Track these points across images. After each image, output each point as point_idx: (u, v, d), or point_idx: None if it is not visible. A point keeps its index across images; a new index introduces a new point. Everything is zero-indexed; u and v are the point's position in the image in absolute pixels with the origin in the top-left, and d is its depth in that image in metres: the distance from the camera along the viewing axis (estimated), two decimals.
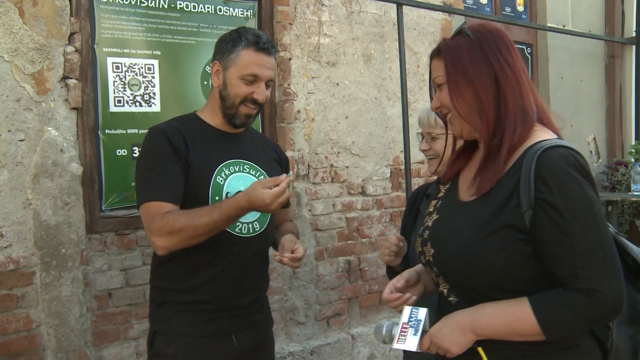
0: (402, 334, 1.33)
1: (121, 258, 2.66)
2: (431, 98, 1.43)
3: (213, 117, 1.88)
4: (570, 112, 5.03)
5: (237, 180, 1.84)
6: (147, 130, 2.69)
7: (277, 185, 1.61)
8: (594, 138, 5.28)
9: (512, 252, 1.21)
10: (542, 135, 1.28)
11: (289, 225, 2.14)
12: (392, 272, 1.99)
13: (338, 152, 3.44)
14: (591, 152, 5.26)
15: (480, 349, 1.26)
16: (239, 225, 1.82)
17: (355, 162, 3.52)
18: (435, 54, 1.37)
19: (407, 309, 1.37)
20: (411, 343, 1.31)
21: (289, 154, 3.16)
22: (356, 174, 3.53)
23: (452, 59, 1.31)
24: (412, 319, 1.34)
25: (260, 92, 1.80)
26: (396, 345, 1.33)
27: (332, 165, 3.41)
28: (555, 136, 1.30)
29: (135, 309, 2.68)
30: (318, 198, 3.35)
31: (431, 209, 1.48)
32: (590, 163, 5.19)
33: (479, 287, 1.28)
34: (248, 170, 1.88)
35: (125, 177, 2.71)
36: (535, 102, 1.33)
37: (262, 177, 1.90)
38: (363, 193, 3.56)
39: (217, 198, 1.79)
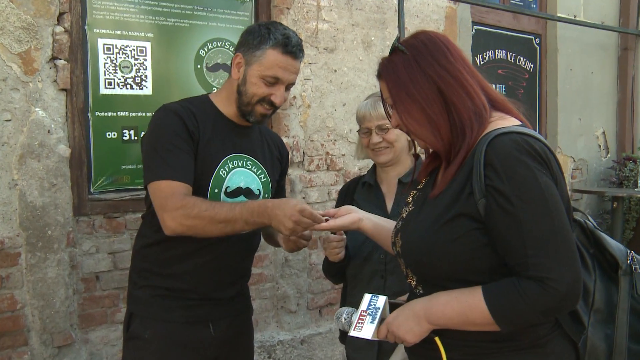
0: (359, 321, 1.29)
1: (109, 241, 2.65)
2: (387, 115, 1.41)
3: (227, 106, 1.82)
4: (579, 105, 4.93)
5: (239, 175, 1.81)
6: (139, 113, 2.75)
7: (310, 219, 1.54)
8: (603, 132, 5.17)
9: (468, 241, 1.18)
10: (500, 124, 1.23)
11: None
12: (333, 267, 1.95)
13: (334, 140, 3.39)
14: (599, 146, 5.15)
15: (437, 339, 1.23)
16: None
17: (352, 151, 3.46)
18: (378, 75, 1.35)
19: (366, 297, 1.34)
20: (367, 331, 1.27)
21: (283, 140, 3.12)
22: (353, 162, 3.48)
23: (392, 80, 1.29)
24: (370, 307, 1.30)
25: (279, 96, 1.75)
26: (353, 333, 1.29)
27: (327, 153, 3.36)
28: (518, 123, 1.25)
29: (122, 292, 2.66)
30: (313, 186, 3.31)
31: (409, 199, 1.45)
32: (597, 158, 5.09)
33: (440, 278, 1.25)
34: (250, 167, 1.84)
35: (115, 160, 2.70)
36: (488, 94, 1.28)
37: (262, 175, 1.87)
38: None
39: (216, 191, 1.76)
